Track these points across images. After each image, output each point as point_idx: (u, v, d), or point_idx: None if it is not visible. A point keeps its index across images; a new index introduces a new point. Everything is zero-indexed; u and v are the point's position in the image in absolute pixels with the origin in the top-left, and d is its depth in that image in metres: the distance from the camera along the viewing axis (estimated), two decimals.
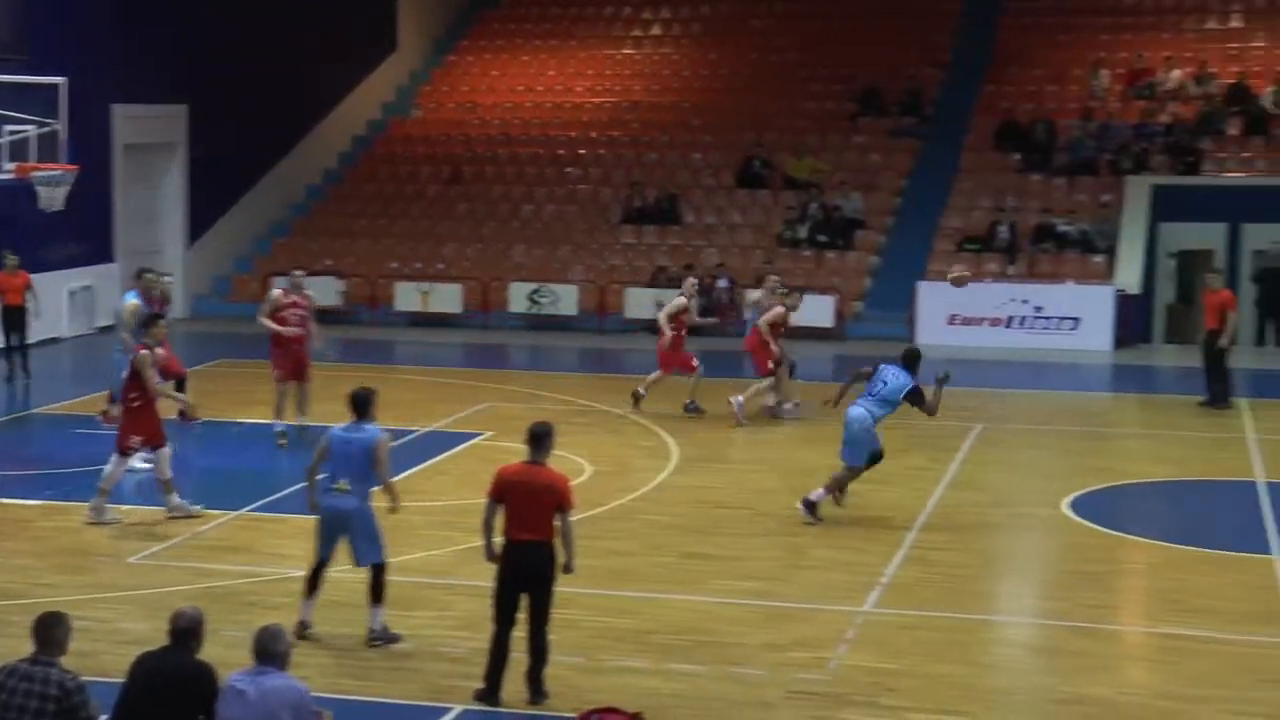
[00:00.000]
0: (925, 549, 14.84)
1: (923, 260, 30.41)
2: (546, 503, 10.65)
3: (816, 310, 28.57)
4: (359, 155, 36.90)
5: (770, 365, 21.09)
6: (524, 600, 10.66)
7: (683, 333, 21.93)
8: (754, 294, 22.52)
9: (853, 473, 15.90)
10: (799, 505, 15.79)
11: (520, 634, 10.66)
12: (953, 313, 28.41)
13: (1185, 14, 36.67)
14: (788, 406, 21.42)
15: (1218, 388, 22.31)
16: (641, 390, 21.58)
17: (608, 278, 31.26)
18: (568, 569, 10.82)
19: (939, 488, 17.27)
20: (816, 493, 15.82)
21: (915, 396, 15.70)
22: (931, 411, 15.76)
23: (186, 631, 8.19)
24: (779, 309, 21.15)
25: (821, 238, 31.57)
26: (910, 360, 15.99)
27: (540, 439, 10.87)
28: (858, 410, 15.83)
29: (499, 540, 10.79)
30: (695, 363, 21.66)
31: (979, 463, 18.74)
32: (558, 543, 10.68)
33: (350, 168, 36.48)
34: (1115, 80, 34.64)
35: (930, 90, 35.58)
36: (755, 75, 36.81)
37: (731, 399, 20.85)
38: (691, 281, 23.15)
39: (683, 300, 22.00)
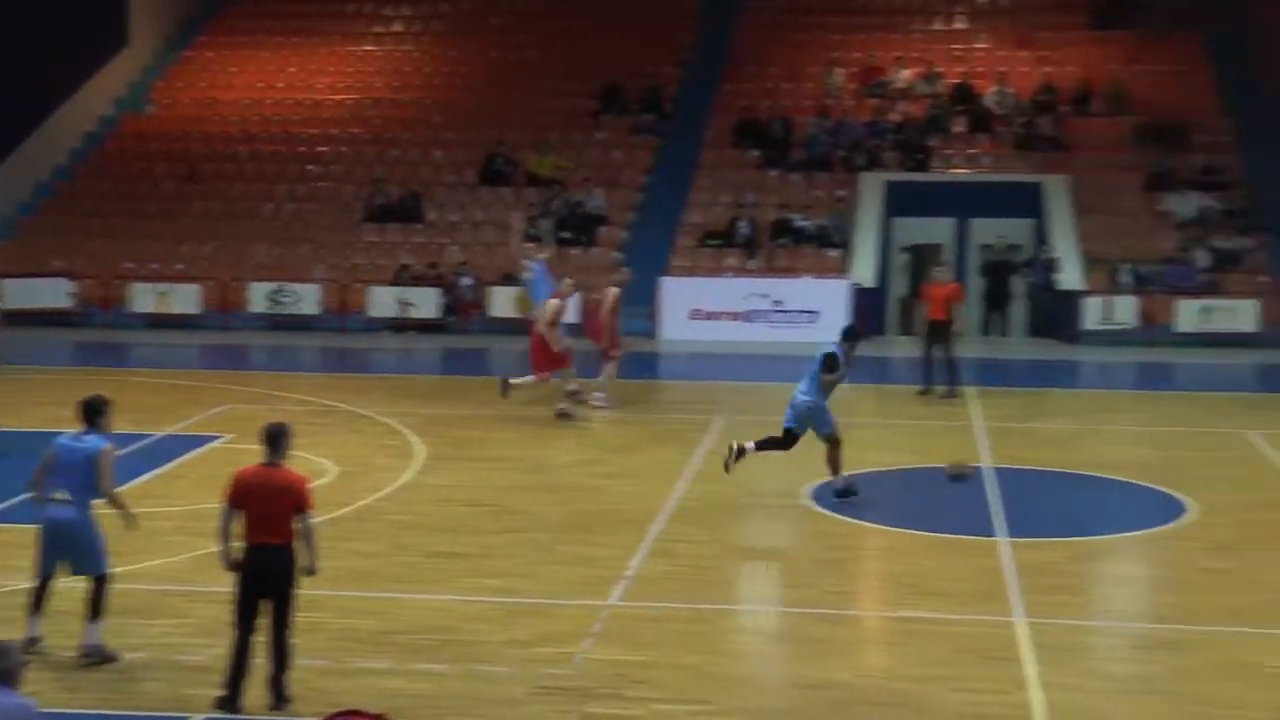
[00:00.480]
0: (670, 541, 15.02)
1: (664, 256, 30.78)
2: (285, 504, 10.48)
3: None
4: (90, 152, 35.83)
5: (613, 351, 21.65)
6: (265, 605, 10.50)
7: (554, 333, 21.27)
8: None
9: (832, 441, 16.53)
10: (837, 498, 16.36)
11: (262, 639, 10.49)
12: (695, 307, 28.84)
13: (913, 15, 37.84)
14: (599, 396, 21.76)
15: (945, 377, 23.10)
16: (515, 381, 21.42)
17: (350, 276, 30.96)
18: (310, 571, 10.68)
19: (682, 480, 17.50)
20: (837, 481, 16.48)
21: (830, 363, 16.33)
22: (830, 386, 16.51)
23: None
24: (597, 295, 21.57)
25: (565, 234, 31.70)
26: (847, 336, 17.03)
27: (276, 439, 10.69)
28: (798, 395, 16.55)
29: (238, 545, 10.60)
30: (569, 361, 21.45)
31: (722, 455, 18.99)
32: (299, 545, 10.54)
33: (81, 165, 35.41)
34: (849, 79, 35.55)
35: (670, 88, 36.03)
36: (497, 72, 36.80)
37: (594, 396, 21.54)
38: (569, 281, 22.37)
39: (557, 302, 21.42)
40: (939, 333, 23.23)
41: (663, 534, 15.28)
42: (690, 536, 15.23)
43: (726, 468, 16.51)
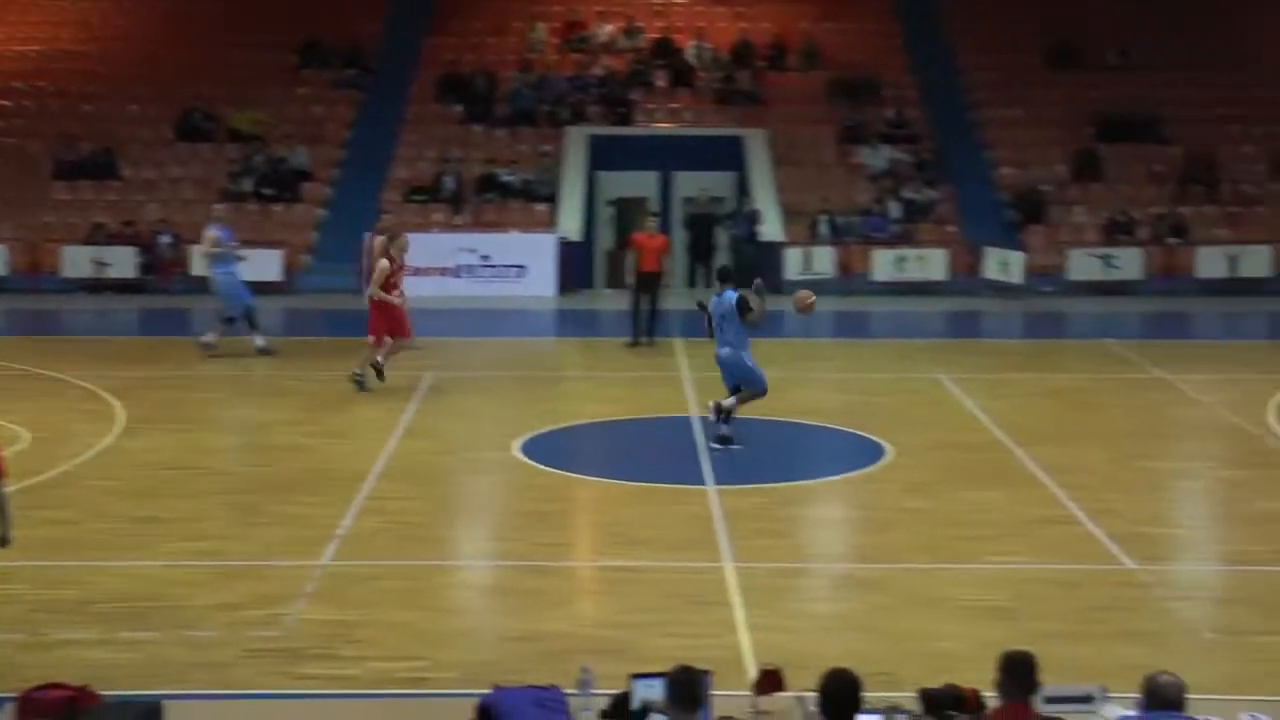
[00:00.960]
0: (382, 499, 14.92)
1: (371, 212, 30.38)
2: None
3: (264, 264, 28.14)
4: None
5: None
6: None
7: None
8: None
9: (757, 394, 16.95)
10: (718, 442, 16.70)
11: None
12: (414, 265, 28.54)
13: None
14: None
15: (652, 326, 23.51)
16: (380, 359, 19.85)
17: (41, 235, 29.78)
18: (4, 542, 10.30)
19: (393, 438, 17.38)
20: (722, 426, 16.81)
21: (743, 305, 16.71)
22: (757, 321, 16.94)
23: None
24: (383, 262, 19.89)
25: (267, 191, 31.09)
26: (725, 277, 17.42)
27: None
28: (723, 350, 16.93)
29: None
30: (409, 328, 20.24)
31: (431, 411, 18.97)
32: None
33: None
34: (552, 34, 35.63)
35: (373, 43, 35.56)
36: (193, 25, 35.77)
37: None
38: (405, 238, 20.53)
39: (386, 264, 19.81)
40: (649, 284, 23.57)
41: (374, 492, 15.16)
42: (402, 493, 15.16)
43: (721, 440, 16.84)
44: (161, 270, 29.18)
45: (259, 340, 22.25)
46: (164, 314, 27.37)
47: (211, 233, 22.65)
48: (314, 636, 11.18)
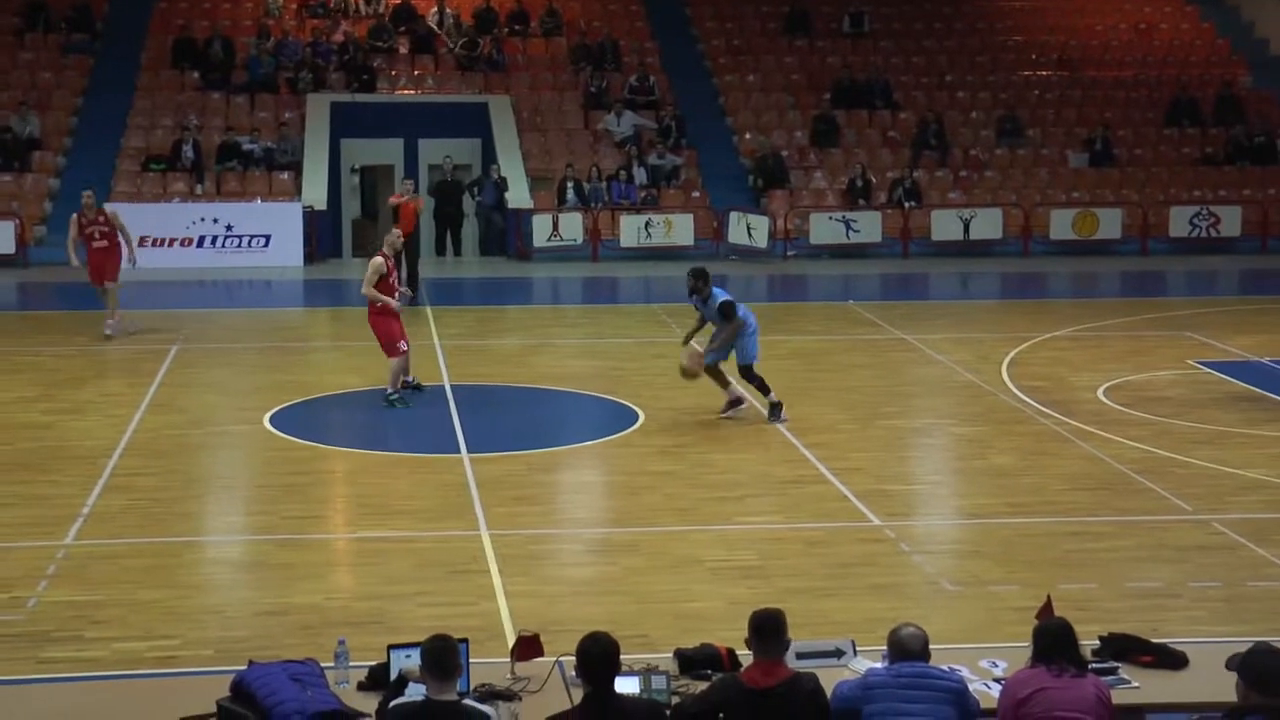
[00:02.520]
0: (127, 475, 14.58)
1: (107, 181, 29.55)
2: None
3: None
4: None
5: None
6: None
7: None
8: None
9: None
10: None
11: None
12: (142, 234, 27.79)
13: None
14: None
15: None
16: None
17: None
18: None
19: (138, 413, 16.96)
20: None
21: (727, 310, 16.48)
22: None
23: None
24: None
25: None
26: (703, 279, 16.81)
27: None
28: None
29: None
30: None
31: (177, 385, 18.55)
32: None
33: None
34: None
35: (100, 6, 34.45)
36: None
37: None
38: (397, 232, 18.55)
39: (380, 261, 17.37)
40: (411, 247, 23.53)
41: (118, 469, 14.80)
42: (148, 469, 14.84)
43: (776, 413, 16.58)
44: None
45: None
46: None
47: None
48: (59, 619, 10.91)
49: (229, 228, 28.45)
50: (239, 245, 28.38)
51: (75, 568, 12.08)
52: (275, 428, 16.47)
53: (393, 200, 24.17)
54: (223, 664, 9.39)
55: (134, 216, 27.40)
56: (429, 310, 23.67)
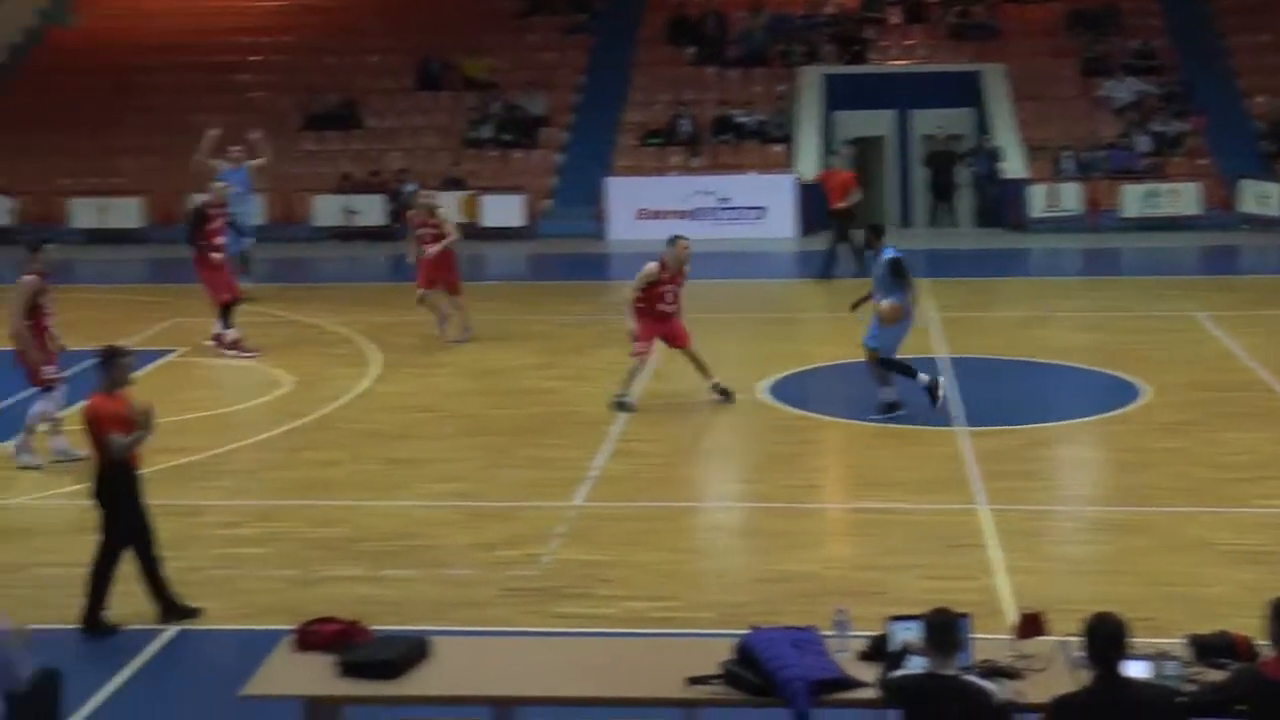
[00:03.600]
0: (630, 441, 15.05)
1: (607, 156, 30.62)
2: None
3: (506, 210, 28.65)
4: (17, 67, 35.16)
5: None
6: None
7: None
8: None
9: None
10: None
11: None
12: (641, 207, 28.72)
13: None
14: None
15: (824, 264, 23.97)
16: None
17: (292, 185, 30.60)
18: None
19: (638, 380, 17.45)
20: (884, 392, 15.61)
21: (896, 267, 15.40)
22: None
23: None
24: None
25: (506, 137, 31.49)
26: (879, 233, 16.18)
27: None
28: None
29: None
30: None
31: (673, 353, 18.96)
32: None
33: (9, 80, 34.74)
34: None
35: None
36: None
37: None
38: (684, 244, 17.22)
39: (653, 267, 16.70)
40: (846, 222, 23.60)
41: (622, 434, 15.30)
42: (648, 435, 15.27)
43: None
44: (406, 218, 29.77)
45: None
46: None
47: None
48: (569, 576, 11.35)
49: (724, 200, 29.00)
50: (734, 217, 28.89)
51: (584, 528, 12.56)
52: (771, 397, 16.67)
53: (819, 176, 24.07)
54: (723, 627, 9.56)
55: (632, 190, 28.43)
56: (924, 281, 23.42)
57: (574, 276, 25.26)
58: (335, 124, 32.24)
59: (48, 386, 14.26)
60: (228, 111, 32.74)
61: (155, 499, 13.06)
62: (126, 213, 29.93)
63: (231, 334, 19.00)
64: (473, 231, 28.59)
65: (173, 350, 19.29)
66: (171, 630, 10.42)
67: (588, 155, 30.80)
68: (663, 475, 13.99)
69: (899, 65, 32.61)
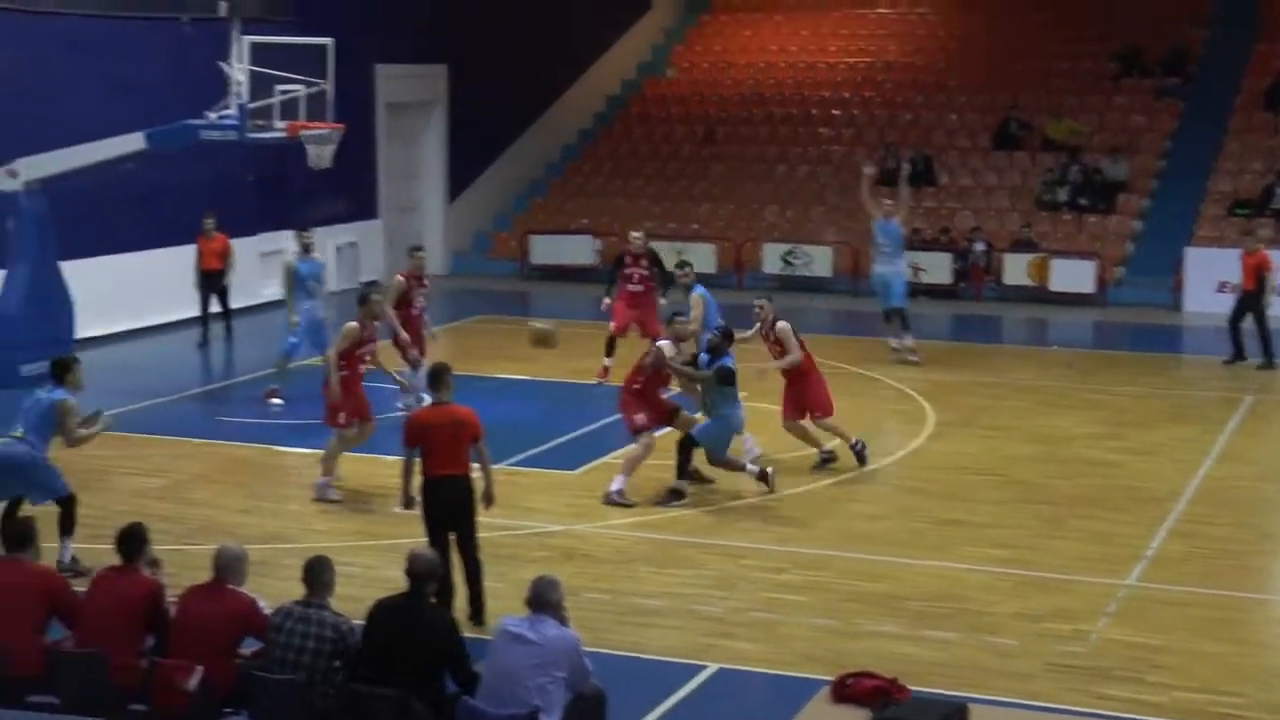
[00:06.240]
0: (1192, 523, 14.33)
1: (1189, 225, 29.41)
2: (463, 436, 11.21)
3: (1077, 275, 27.98)
4: (613, 115, 37.08)
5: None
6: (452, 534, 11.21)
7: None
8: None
9: None
10: None
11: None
12: (1221, 279, 27.35)
13: None
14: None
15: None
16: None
17: (861, 239, 30.87)
18: (488, 498, 11.38)
19: (1207, 459, 16.64)
20: None
21: None
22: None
23: (424, 575, 8.47)
24: None
25: (1082, 200, 30.76)
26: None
27: (436, 379, 11.48)
28: None
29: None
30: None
31: (1249, 435, 18.01)
32: (476, 474, 11.30)
33: (604, 127, 36.68)
34: None
35: (1195, 49, 34.32)
36: (1011, 35, 35.91)
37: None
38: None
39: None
40: (1247, 304, 22.17)
41: (1184, 515, 14.58)
42: (1214, 519, 14.50)
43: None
44: (974, 277, 29.54)
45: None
46: (975, 320, 27.69)
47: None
48: (1118, 657, 10.89)
49: None
50: None
51: (1136, 609, 12.02)
52: None
53: None
54: None
55: (1213, 261, 27.09)
56: None
57: (1144, 348, 24.31)
58: (909, 180, 32.25)
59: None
60: (805, 164, 33.64)
61: (702, 539, 13.40)
62: (702, 258, 30.73)
63: (607, 362, 20.11)
64: (1040, 295, 28.13)
65: None
66: (712, 668, 10.61)
67: (1168, 223, 29.67)
68: (1227, 562, 13.21)
69: None
